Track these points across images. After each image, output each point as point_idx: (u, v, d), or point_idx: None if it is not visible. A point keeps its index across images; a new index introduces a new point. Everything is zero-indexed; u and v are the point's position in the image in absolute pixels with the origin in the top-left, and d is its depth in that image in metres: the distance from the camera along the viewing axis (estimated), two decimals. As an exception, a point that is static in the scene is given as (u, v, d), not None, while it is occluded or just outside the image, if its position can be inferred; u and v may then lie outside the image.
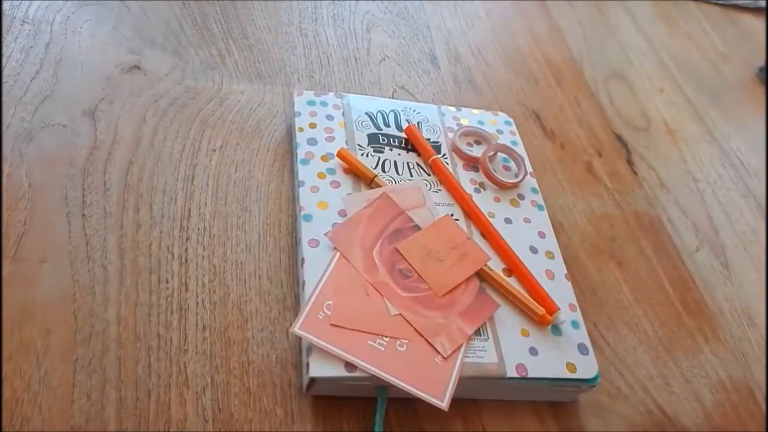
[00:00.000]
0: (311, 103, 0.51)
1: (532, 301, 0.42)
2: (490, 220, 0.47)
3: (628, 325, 0.48)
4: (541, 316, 0.41)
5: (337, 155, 0.47)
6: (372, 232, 0.43)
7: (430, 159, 0.49)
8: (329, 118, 0.51)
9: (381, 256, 0.42)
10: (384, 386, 0.37)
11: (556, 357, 0.40)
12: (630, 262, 0.53)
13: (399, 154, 0.50)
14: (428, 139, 0.51)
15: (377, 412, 0.37)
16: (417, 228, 0.44)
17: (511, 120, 0.56)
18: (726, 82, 0.76)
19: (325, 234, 0.42)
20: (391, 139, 0.51)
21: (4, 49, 0.51)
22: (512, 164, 0.52)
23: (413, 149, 0.51)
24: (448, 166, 0.49)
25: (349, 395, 0.38)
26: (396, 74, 0.62)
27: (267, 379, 0.38)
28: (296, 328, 0.37)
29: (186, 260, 0.42)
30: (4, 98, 0.47)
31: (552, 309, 0.42)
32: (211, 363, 0.38)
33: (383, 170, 0.48)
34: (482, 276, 0.43)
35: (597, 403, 0.43)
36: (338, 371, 0.36)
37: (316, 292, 0.39)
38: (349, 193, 0.45)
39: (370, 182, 0.46)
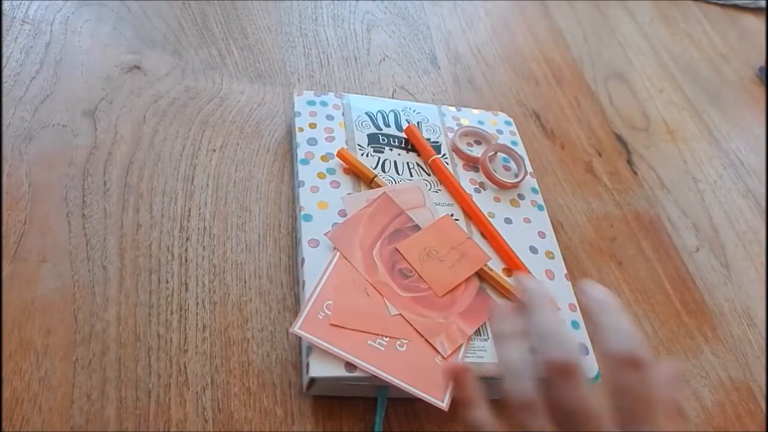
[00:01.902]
0: (311, 103, 0.51)
1: (532, 301, 0.42)
2: (490, 220, 0.46)
3: (628, 325, 0.48)
4: (541, 316, 0.41)
5: (337, 155, 0.47)
6: (372, 232, 0.43)
7: (430, 159, 0.49)
8: (329, 118, 0.51)
9: (381, 256, 0.42)
10: (384, 386, 0.37)
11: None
12: (630, 262, 0.53)
13: (399, 154, 0.50)
14: (428, 139, 0.51)
15: (377, 412, 0.37)
16: (417, 228, 0.44)
17: (511, 120, 0.56)
18: (726, 82, 0.76)
19: (325, 234, 0.42)
20: (391, 139, 0.51)
21: (4, 49, 0.51)
22: (512, 164, 0.52)
23: (413, 149, 0.51)
24: (448, 166, 0.49)
25: (349, 395, 0.38)
26: (396, 74, 0.62)
27: (267, 379, 0.38)
28: (296, 328, 0.37)
29: (186, 260, 0.42)
30: (4, 98, 0.47)
31: (552, 309, 0.42)
32: (211, 363, 0.38)
33: (383, 170, 0.48)
34: (482, 276, 0.43)
35: (597, 403, 0.43)
36: (338, 371, 0.36)
37: (316, 292, 0.39)
38: (349, 193, 0.45)
39: (370, 182, 0.46)
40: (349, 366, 0.36)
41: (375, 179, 0.46)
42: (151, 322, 0.39)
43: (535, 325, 0.30)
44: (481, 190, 0.49)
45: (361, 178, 0.47)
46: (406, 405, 0.39)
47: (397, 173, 0.48)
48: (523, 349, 0.30)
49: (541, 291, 0.31)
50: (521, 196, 0.50)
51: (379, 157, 0.49)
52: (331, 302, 0.38)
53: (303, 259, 0.41)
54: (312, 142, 0.48)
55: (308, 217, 0.43)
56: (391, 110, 0.53)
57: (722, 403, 0.46)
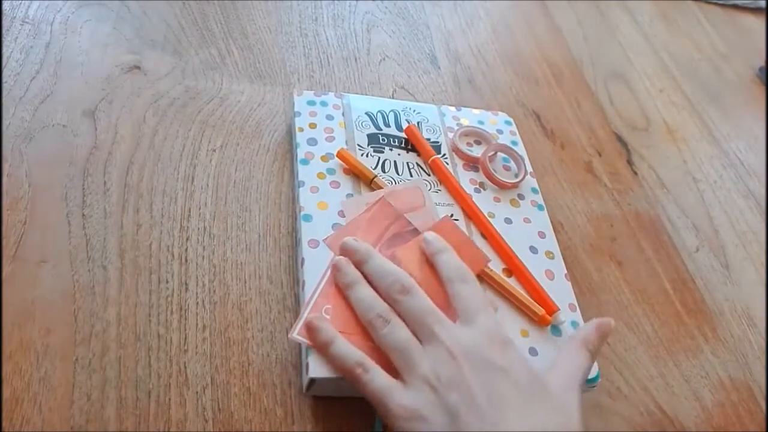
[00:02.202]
0: (311, 103, 0.51)
1: (532, 301, 0.42)
2: (490, 220, 0.46)
3: (628, 325, 0.48)
4: (540, 316, 0.41)
5: (337, 155, 0.47)
6: (370, 237, 0.43)
7: (430, 159, 0.49)
8: (329, 118, 0.51)
9: (381, 257, 0.42)
10: (384, 386, 0.37)
11: (556, 357, 0.40)
12: (630, 262, 0.53)
13: (399, 154, 0.50)
14: (428, 139, 0.51)
15: (377, 412, 0.38)
16: (416, 232, 0.44)
17: (511, 120, 0.56)
18: (726, 82, 0.76)
19: (323, 240, 0.42)
20: (391, 139, 0.51)
21: (4, 49, 0.51)
22: (512, 164, 0.52)
23: (413, 149, 0.51)
24: (448, 166, 0.49)
25: (349, 395, 0.38)
26: (396, 74, 0.62)
27: (267, 379, 0.38)
28: (295, 334, 0.37)
29: (186, 260, 0.42)
30: (4, 98, 0.47)
31: (552, 309, 0.42)
32: (211, 363, 0.38)
33: (383, 170, 0.48)
34: (482, 276, 0.43)
35: (597, 403, 0.43)
36: (338, 372, 0.36)
37: (315, 297, 0.39)
38: (348, 194, 0.45)
39: (370, 182, 0.46)
40: (349, 366, 0.36)
41: (375, 179, 0.46)
42: (151, 322, 0.39)
43: (370, 269, 0.39)
44: (481, 190, 0.49)
45: (361, 178, 0.47)
46: (406, 405, 0.39)
47: (397, 173, 0.48)
48: (368, 287, 0.39)
49: (364, 246, 0.40)
50: (521, 196, 0.50)
51: (379, 157, 0.49)
52: (330, 307, 0.38)
53: (303, 260, 0.41)
54: (312, 142, 0.48)
55: (308, 218, 0.43)
56: (391, 110, 0.53)
57: (722, 403, 0.46)
